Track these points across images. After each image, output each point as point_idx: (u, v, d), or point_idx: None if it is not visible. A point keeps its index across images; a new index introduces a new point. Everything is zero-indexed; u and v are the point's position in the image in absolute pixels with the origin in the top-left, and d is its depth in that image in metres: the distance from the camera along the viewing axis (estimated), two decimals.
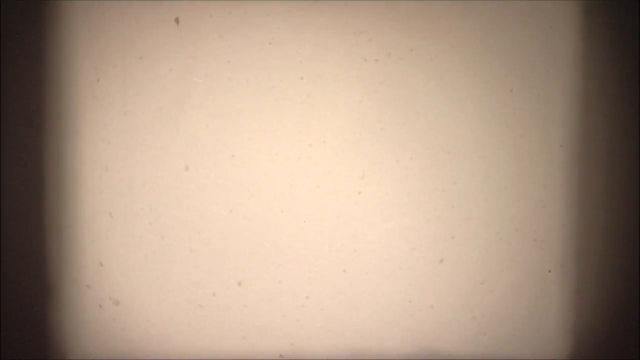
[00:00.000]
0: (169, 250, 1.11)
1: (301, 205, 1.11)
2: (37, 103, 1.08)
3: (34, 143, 1.08)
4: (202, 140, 1.10)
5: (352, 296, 1.12)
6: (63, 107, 1.09)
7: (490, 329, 1.13)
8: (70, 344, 1.12)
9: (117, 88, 1.09)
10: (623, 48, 1.09)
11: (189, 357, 1.12)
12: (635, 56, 1.09)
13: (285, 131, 1.10)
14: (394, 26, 1.09)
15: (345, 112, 1.10)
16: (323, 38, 1.09)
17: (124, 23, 1.08)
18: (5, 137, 1.08)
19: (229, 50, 1.09)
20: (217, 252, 1.11)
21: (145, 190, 1.10)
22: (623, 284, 1.11)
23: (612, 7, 1.09)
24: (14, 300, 1.10)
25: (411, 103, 1.10)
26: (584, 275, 1.12)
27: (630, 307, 1.11)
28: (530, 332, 1.13)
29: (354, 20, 1.08)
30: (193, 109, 1.09)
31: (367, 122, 1.10)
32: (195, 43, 1.08)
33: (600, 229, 1.11)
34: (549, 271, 1.12)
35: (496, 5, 1.09)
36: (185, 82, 1.09)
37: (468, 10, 1.09)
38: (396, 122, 1.10)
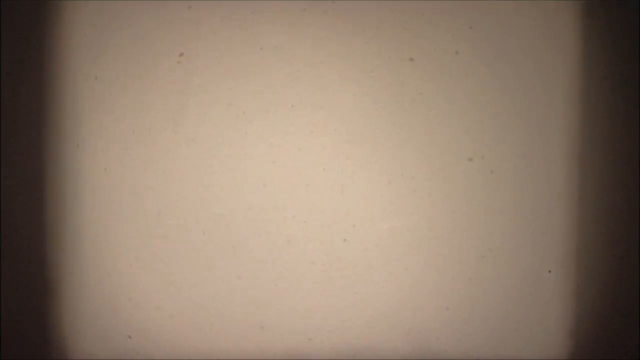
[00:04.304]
0: (170, 251, 1.11)
1: (301, 206, 1.11)
2: (37, 103, 1.08)
3: (34, 143, 1.08)
4: (203, 141, 1.10)
5: (352, 296, 1.12)
6: (63, 107, 1.09)
7: (491, 329, 1.13)
8: (71, 344, 1.12)
9: (118, 88, 1.09)
10: (623, 48, 1.09)
11: (189, 357, 1.13)
12: (635, 56, 1.09)
13: (284, 131, 1.10)
14: (394, 27, 1.09)
15: (343, 113, 1.10)
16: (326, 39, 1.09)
17: (124, 23, 1.08)
18: (5, 137, 1.08)
19: (230, 50, 1.09)
20: (219, 253, 1.11)
21: (146, 191, 1.10)
22: (623, 284, 1.11)
23: (612, 7, 1.09)
24: (14, 300, 1.10)
25: (406, 105, 1.10)
26: (584, 275, 1.12)
27: (630, 307, 1.11)
28: (530, 332, 1.13)
29: (356, 23, 1.09)
30: (193, 109, 1.09)
31: (367, 122, 1.10)
32: (196, 44, 1.09)
33: (600, 229, 1.11)
34: (549, 271, 1.12)
35: (496, 5, 1.09)
36: (185, 83, 1.09)
37: (467, 10, 1.09)
38: (396, 123, 1.10)
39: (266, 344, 1.13)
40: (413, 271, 1.12)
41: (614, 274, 1.11)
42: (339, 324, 1.12)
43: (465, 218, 1.11)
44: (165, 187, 1.10)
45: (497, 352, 1.13)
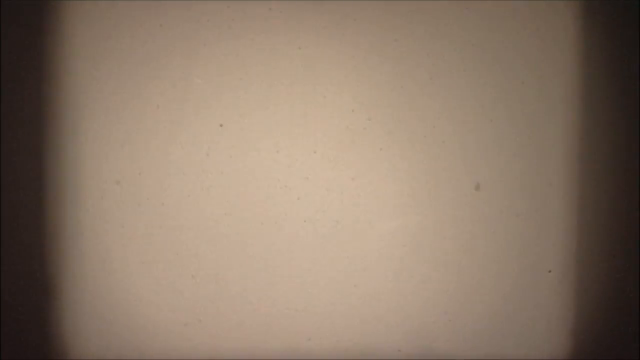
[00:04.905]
0: (170, 251, 1.11)
1: (301, 207, 1.11)
2: (37, 103, 1.08)
3: (34, 143, 1.08)
4: (202, 141, 1.10)
5: (352, 296, 1.12)
6: (63, 107, 1.09)
7: (491, 329, 1.13)
8: (70, 344, 1.12)
9: (118, 88, 1.09)
10: (623, 48, 1.09)
11: (189, 357, 1.12)
12: (635, 56, 1.09)
13: (284, 132, 1.10)
14: (392, 27, 1.09)
15: (343, 112, 1.10)
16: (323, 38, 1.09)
17: (124, 23, 1.08)
18: (5, 137, 1.08)
19: (230, 51, 1.09)
20: (219, 253, 1.11)
21: (146, 191, 1.10)
22: (623, 284, 1.11)
23: (612, 7, 1.09)
24: (14, 300, 1.10)
25: (409, 104, 1.10)
26: (584, 275, 1.12)
27: (630, 307, 1.11)
28: (530, 332, 1.13)
29: (354, 19, 1.09)
30: (193, 110, 1.09)
31: (365, 122, 1.10)
32: (197, 43, 1.08)
33: (600, 229, 1.11)
34: (549, 271, 1.12)
35: (495, 5, 1.09)
36: (185, 83, 1.09)
37: (467, 10, 1.09)
38: (395, 122, 1.10)
39: (266, 344, 1.12)
40: (414, 271, 1.12)
41: (614, 274, 1.11)
42: (339, 323, 1.12)
43: (467, 219, 1.11)
44: (166, 187, 1.10)
45: (497, 351, 1.13)
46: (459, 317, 1.12)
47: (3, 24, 1.07)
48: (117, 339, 1.12)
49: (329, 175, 1.10)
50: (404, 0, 1.08)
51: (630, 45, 1.09)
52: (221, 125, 1.09)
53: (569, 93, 1.10)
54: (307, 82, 1.09)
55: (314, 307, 1.12)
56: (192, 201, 1.10)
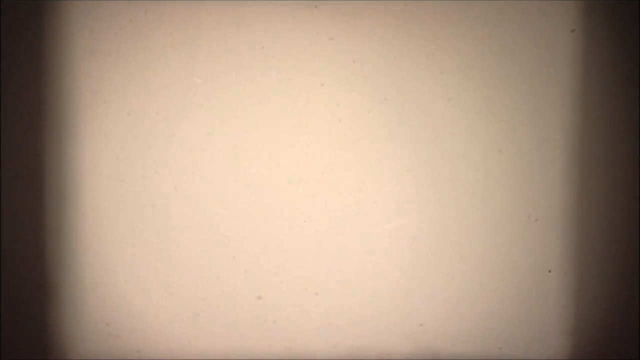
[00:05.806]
0: (170, 250, 1.11)
1: (301, 206, 1.11)
2: (37, 103, 1.08)
3: (34, 143, 1.08)
4: (201, 141, 1.10)
5: (352, 296, 1.12)
6: (63, 107, 1.09)
7: (491, 328, 1.13)
8: (70, 344, 1.12)
9: (118, 88, 1.09)
10: (623, 48, 1.09)
11: (188, 357, 1.13)
12: (635, 56, 1.09)
13: (284, 131, 1.10)
14: (392, 26, 1.09)
15: (344, 111, 1.10)
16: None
17: (124, 23, 1.08)
18: (5, 137, 1.08)
19: (231, 49, 1.09)
20: (218, 253, 1.11)
21: (146, 190, 1.10)
22: (623, 284, 1.11)
23: (612, 7, 1.09)
24: (14, 300, 1.10)
25: (409, 104, 1.10)
26: (584, 275, 1.12)
27: (630, 307, 1.11)
28: (530, 332, 1.13)
29: (351, 20, 1.09)
30: (193, 110, 1.09)
31: (365, 121, 1.10)
32: (196, 43, 1.08)
33: (600, 229, 1.11)
34: (549, 271, 1.12)
35: (495, 5, 1.09)
36: (185, 83, 1.09)
37: (467, 10, 1.09)
38: (394, 122, 1.10)
39: (266, 344, 1.13)
40: (414, 271, 1.12)
41: (614, 274, 1.11)
42: (340, 323, 1.12)
43: (467, 218, 1.11)
44: (165, 187, 1.10)
45: (497, 352, 1.13)
46: (459, 317, 1.12)
47: (3, 24, 1.07)
48: (116, 339, 1.12)
49: (329, 175, 1.10)
50: (407, 1, 1.08)
51: (630, 45, 1.09)
52: (222, 126, 1.09)
53: (569, 93, 1.10)
54: (308, 79, 1.09)
55: (314, 307, 1.12)
56: (192, 202, 1.10)
